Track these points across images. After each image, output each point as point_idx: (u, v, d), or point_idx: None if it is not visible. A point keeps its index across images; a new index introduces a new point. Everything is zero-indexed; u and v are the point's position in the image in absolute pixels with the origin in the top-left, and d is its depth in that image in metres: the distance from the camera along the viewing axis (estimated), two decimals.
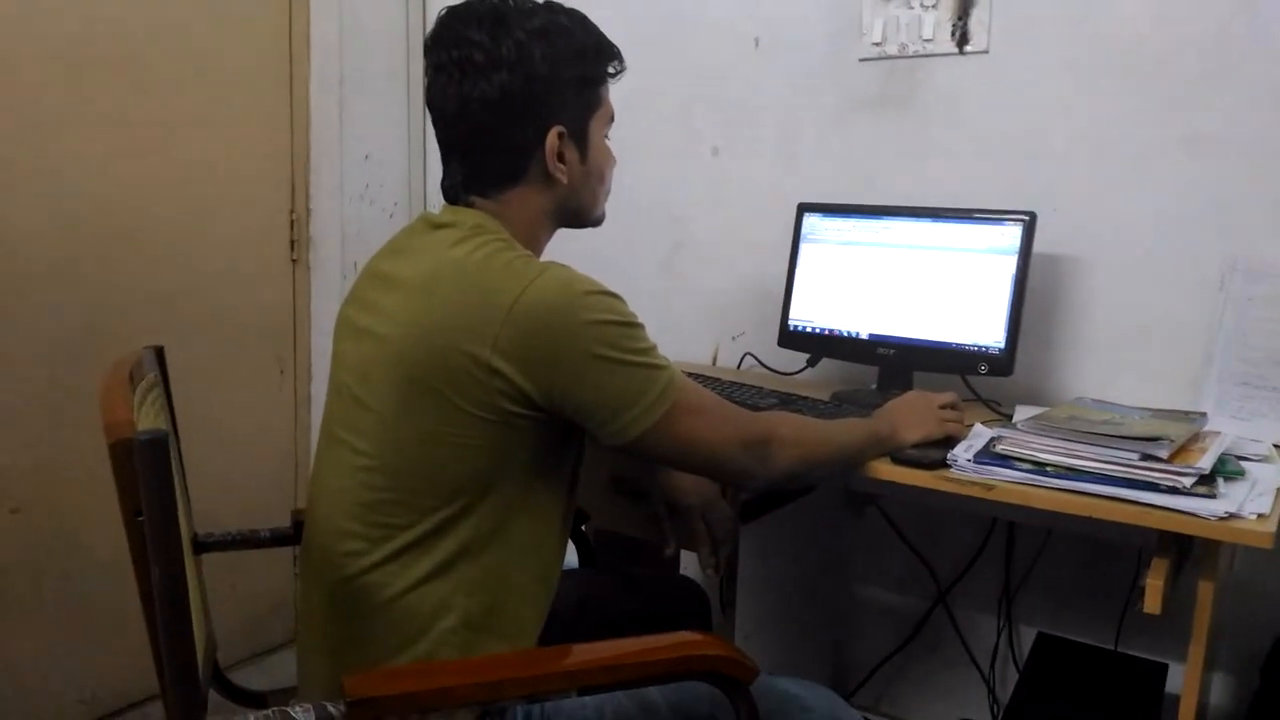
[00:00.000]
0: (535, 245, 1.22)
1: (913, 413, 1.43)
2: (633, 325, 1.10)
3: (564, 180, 1.19)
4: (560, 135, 1.17)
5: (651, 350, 1.11)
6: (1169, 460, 1.23)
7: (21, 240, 1.90)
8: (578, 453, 1.20)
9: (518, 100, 1.14)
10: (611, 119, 1.26)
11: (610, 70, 1.23)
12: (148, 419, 1.08)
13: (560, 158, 1.18)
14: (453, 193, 1.21)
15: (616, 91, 1.26)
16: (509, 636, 1.14)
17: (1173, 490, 1.20)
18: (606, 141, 1.26)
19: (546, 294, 1.06)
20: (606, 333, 1.07)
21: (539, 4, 1.18)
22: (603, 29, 1.23)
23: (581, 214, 1.26)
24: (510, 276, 1.07)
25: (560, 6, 1.20)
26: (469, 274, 1.09)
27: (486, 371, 1.05)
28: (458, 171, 1.20)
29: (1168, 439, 1.25)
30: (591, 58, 1.20)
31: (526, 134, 1.16)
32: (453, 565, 1.10)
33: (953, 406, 1.47)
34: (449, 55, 1.15)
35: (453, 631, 1.11)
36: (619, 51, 1.24)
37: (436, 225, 1.17)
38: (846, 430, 1.36)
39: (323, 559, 1.16)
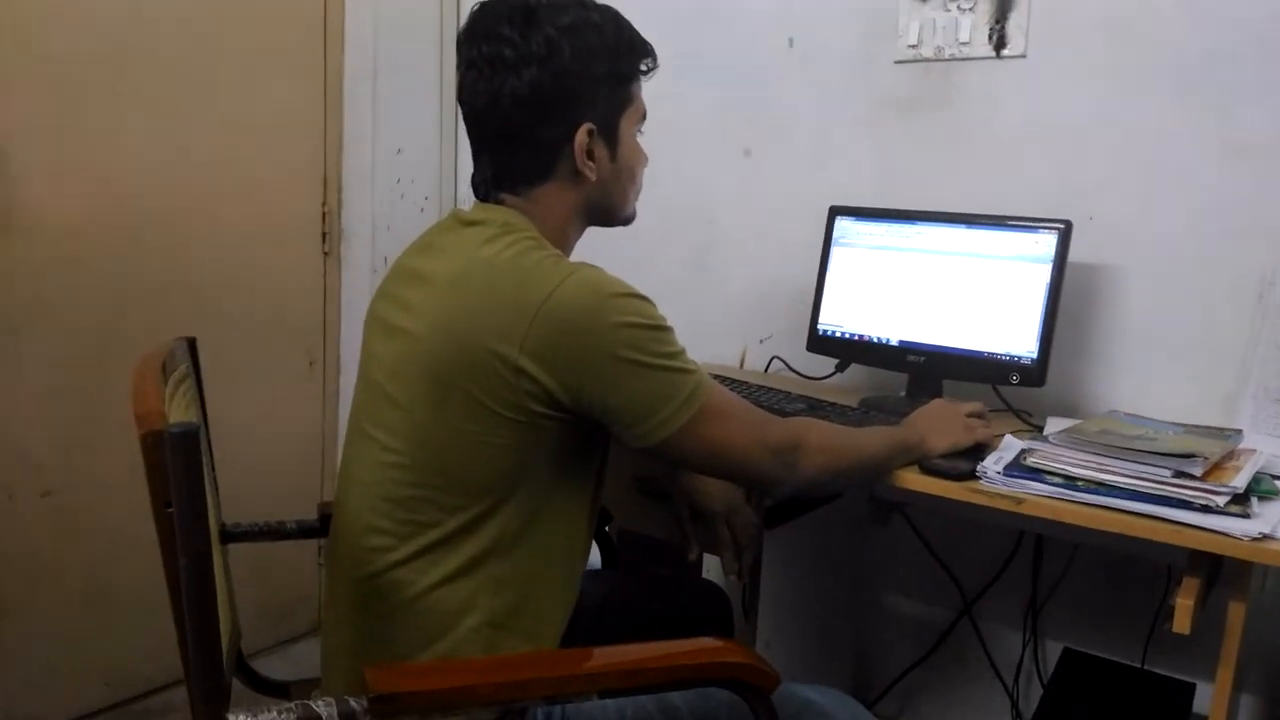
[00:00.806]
0: (565, 243, 1.21)
1: (940, 421, 1.42)
2: (661, 328, 1.10)
3: (593, 178, 1.19)
4: (590, 132, 1.17)
5: (680, 354, 1.11)
6: (1202, 478, 1.22)
7: (56, 230, 1.92)
8: (603, 453, 1.20)
9: (547, 97, 1.14)
10: (643, 116, 1.26)
11: (643, 67, 1.23)
12: (179, 410, 1.08)
13: (590, 155, 1.18)
14: (483, 189, 1.21)
15: (649, 90, 1.25)
16: (533, 635, 1.14)
17: (1206, 509, 1.18)
18: (638, 139, 1.26)
19: (575, 295, 1.06)
20: (635, 336, 1.07)
21: (571, 0, 1.17)
22: (635, 27, 1.23)
23: (611, 212, 1.26)
24: (539, 277, 1.07)
25: (592, 3, 1.19)
26: (498, 273, 1.09)
27: (514, 372, 1.05)
28: (488, 168, 1.20)
29: (1202, 456, 1.23)
30: (624, 54, 1.19)
31: (556, 131, 1.16)
32: (479, 564, 1.10)
33: (979, 415, 1.47)
34: (479, 51, 1.15)
35: (476, 630, 1.11)
36: (652, 49, 1.23)
37: (467, 223, 1.17)
38: (874, 438, 1.35)
39: (349, 553, 1.16)
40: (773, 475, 1.18)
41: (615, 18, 1.20)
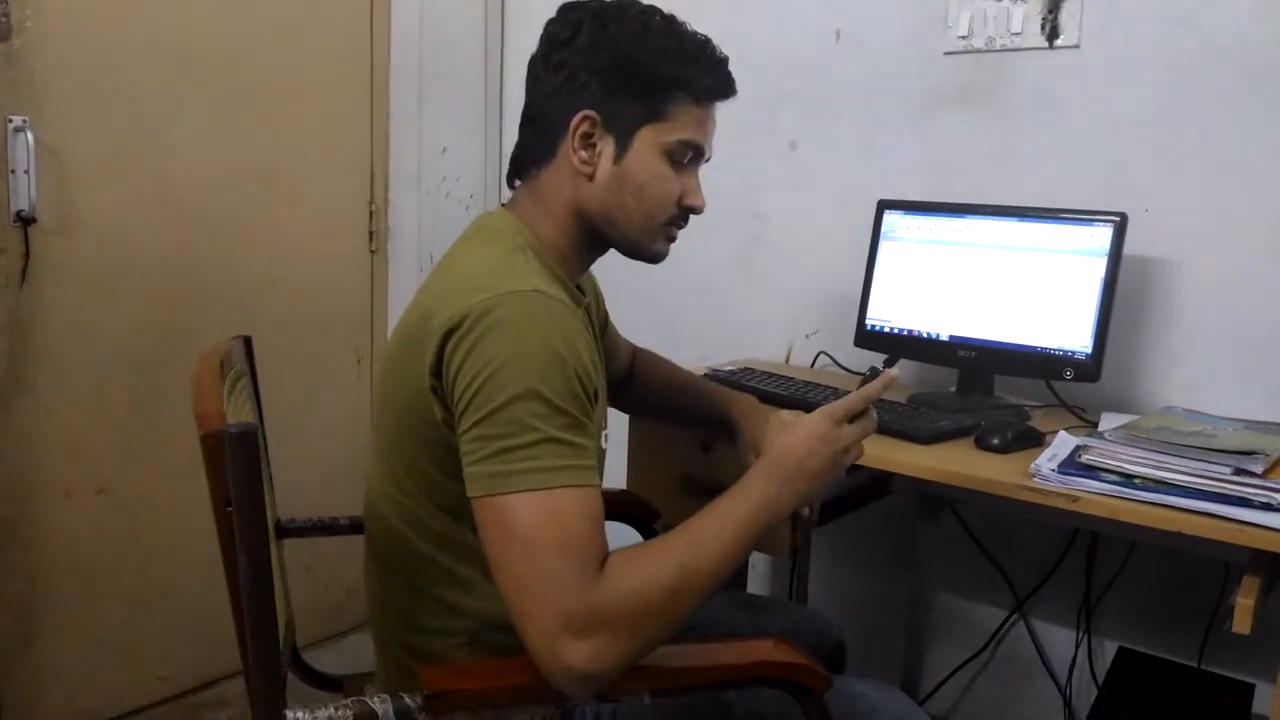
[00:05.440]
0: (566, 247, 1.15)
1: (794, 467, 1.03)
2: (541, 399, 0.93)
3: (587, 171, 1.12)
4: (590, 121, 1.10)
5: (533, 442, 0.92)
6: (1264, 475, 1.19)
7: (114, 230, 1.96)
8: None
9: (558, 76, 1.12)
10: (684, 145, 1.13)
11: (678, 81, 1.11)
12: (236, 409, 1.10)
13: (590, 147, 1.11)
14: (510, 173, 1.21)
15: None
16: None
17: (1267, 507, 1.16)
18: (672, 171, 1.14)
19: (478, 317, 0.97)
20: (499, 385, 0.94)
21: (636, 6, 1.14)
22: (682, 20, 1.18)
23: (616, 228, 1.14)
24: (465, 292, 0.99)
25: (650, 8, 1.14)
26: (445, 286, 1.06)
27: (426, 391, 1.02)
28: (516, 149, 1.19)
29: (1262, 453, 1.21)
30: (648, 54, 1.10)
31: (558, 108, 1.12)
32: (468, 562, 1.09)
33: (859, 415, 1.07)
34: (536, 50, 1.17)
35: (491, 630, 1.10)
36: (703, 78, 1.13)
37: (472, 232, 1.17)
38: (718, 541, 0.98)
39: (376, 551, 1.20)
40: (543, 660, 0.91)
41: (668, 25, 1.13)
